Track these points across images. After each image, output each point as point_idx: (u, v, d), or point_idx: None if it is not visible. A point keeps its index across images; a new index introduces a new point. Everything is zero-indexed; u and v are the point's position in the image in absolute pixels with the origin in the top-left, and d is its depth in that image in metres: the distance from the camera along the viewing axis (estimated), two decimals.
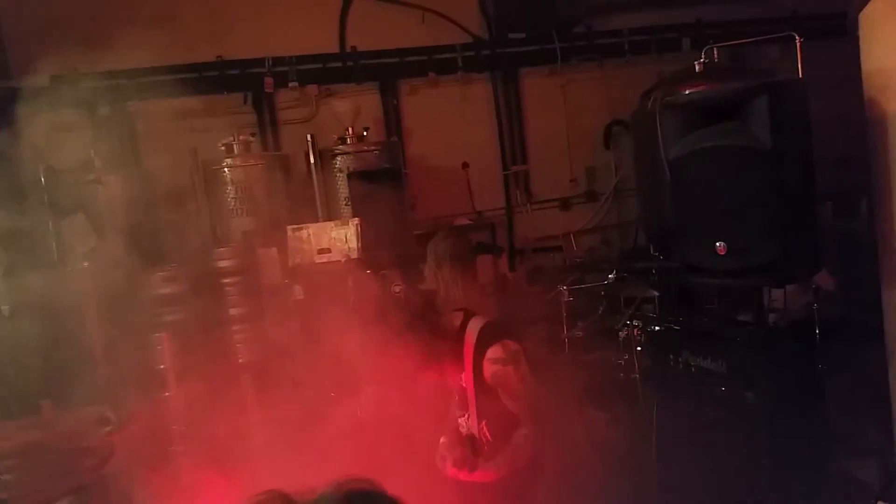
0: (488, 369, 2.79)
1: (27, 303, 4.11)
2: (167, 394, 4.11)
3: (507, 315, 6.51)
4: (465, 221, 7.00)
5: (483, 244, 7.08)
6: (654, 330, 4.35)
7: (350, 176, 5.73)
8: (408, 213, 6.17)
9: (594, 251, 7.31)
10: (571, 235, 7.28)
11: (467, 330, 2.89)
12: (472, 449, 2.84)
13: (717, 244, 3.04)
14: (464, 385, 2.91)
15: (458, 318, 2.95)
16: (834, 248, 5.23)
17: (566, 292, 5.17)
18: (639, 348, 4.42)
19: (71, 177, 5.15)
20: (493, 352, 2.79)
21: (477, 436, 2.92)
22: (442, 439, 3.01)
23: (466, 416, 2.96)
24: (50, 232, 4.94)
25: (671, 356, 4.08)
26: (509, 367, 2.77)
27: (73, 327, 4.29)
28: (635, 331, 4.44)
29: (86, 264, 4.82)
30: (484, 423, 2.90)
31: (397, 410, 3.26)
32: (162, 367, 4.17)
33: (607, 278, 4.96)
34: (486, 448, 2.89)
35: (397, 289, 3.04)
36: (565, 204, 7.45)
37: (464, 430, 3.00)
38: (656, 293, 4.73)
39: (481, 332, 2.87)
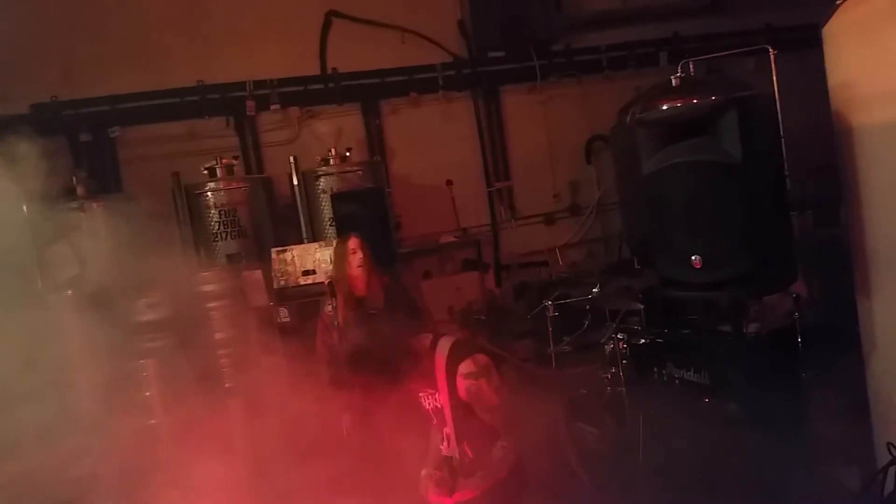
0: (461, 385, 2.82)
1: (9, 332, 4.08)
2: (153, 421, 4.08)
3: (495, 331, 6.54)
4: (450, 239, 7.02)
5: (469, 261, 7.11)
6: (638, 343, 4.37)
7: (334, 197, 5.75)
8: (393, 232, 6.19)
9: (579, 265, 7.34)
10: (557, 250, 7.32)
11: (437, 350, 2.91)
12: (449, 471, 2.85)
13: (693, 258, 3.07)
14: (440, 405, 2.93)
15: (427, 340, 2.97)
16: (816, 256, 5.27)
17: (551, 307, 5.18)
18: (624, 361, 4.43)
19: (53, 205, 5.14)
20: (464, 367, 2.83)
21: (458, 457, 2.93)
22: (423, 471, 3.02)
23: (447, 439, 2.96)
24: (33, 260, 4.92)
25: (655, 369, 4.11)
26: (482, 381, 2.80)
27: (57, 356, 4.25)
28: (620, 344, 4.46)
29: (69, 292, 4.80)
30: (465, 442, 2.91)
31: (379, 439, 3.27)
32: (147, 394, 4.15)
33: (591, 292, 4.98)
34: (468, 466, 2.89)
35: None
36: (549, 219, 7.50)
37: (446, 454, 3.01)
38: (641, 306, 4.75)
39: (451, 350, 2.90)
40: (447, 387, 2.84)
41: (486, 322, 6.59)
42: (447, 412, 2.88)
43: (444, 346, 2.92)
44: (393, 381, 2.90)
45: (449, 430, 2.91)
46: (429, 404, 3.01)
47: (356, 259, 3.95)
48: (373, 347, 3.12)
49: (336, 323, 4.00)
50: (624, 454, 4.13)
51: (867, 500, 2.84)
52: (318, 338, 4.20)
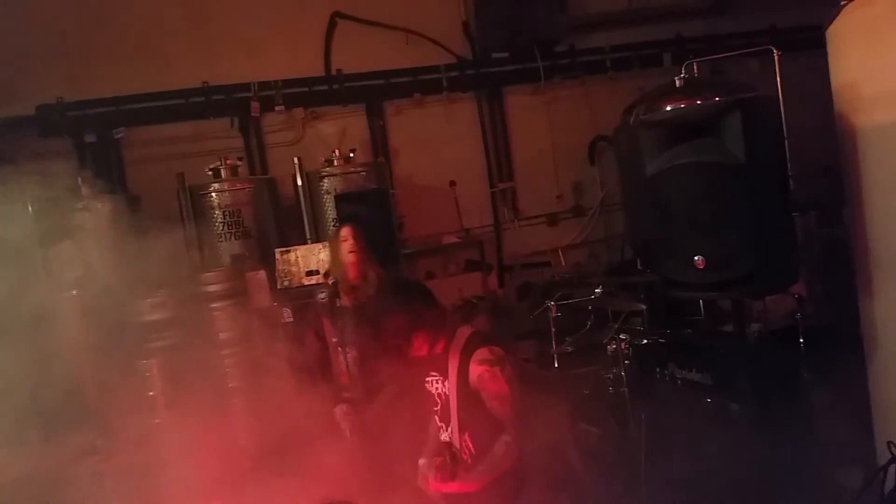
0: (474, 370, 2.83)
1: (16, 331, 4.10)
2: (157, 420, 4.10)
3: (498, 331, 6.54)
4: (453, 239, 7.04)
5: (472, 261, 7.12)
6: (641, 343, 4.38)
7: (337, 197, 5.77)
8: (396, 232, 6.21)
9: (582, 266, 7.35)
10: (559, 250, 7.32)
11: (455, 336, 2.93)
12: (450, 456, 2.86)
13: (696, 258, 3.08)
14: (447, 393, 2.93)
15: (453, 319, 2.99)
16: (819, 257, 5.28)
17: (554, 308, 5.18)
18: (627, 362, 4.44)
19: (58, 205, 5.16)
20: (480, 353, 2.85)
21: (458, 447, 2.93)
22: (421, 461, 3.03)
23: (448, 428, 2.97)
24: (38, 260, 4.94)
25: (658, 369, 4.12)
26: (496, 368, 2.81)
27: (62, 355, 4.27)
28: (623, 345, 4.46)
29: (74, 292, 4.82)
30: (467, 434, 2.92)
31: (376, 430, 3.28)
32: (151, 393, 4.17)
33: (594, 293, 4.98)
34: (467, 458, 2.90)
35: None
36: (552, 219, 7.51)
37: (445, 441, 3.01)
38: (643, 307, 4.75)
39: (469, 337, 2.92)
40: (457, 373, 2.86)
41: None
42: (453, 400, 2.89)
43: (462, 333, 2.95)
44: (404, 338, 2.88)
45: (453, 418, 2.92)
46: (435, 389, 3.01)
47: (346, 246, 4.03)
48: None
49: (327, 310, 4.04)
50: (626, 454, 4.13)
51: (868, 498, 2.84)
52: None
